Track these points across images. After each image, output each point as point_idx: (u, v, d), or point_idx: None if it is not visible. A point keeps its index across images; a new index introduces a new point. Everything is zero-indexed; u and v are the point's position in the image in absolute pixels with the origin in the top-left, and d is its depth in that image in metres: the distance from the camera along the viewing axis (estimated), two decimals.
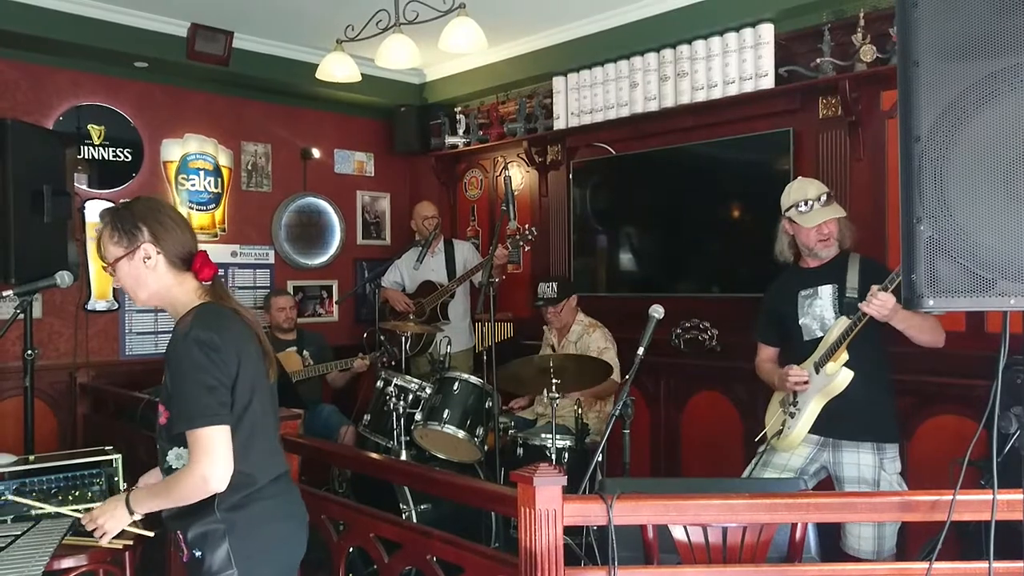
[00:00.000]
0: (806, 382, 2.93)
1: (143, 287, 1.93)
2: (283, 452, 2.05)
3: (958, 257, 1.47)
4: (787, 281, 3.16)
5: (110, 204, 4.81)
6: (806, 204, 2.99)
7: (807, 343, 3.02)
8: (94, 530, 1.95)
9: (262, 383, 1.93)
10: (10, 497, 2.53)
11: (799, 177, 3.27)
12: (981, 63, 1.45)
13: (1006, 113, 1.44)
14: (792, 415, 2.97)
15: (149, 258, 1.90)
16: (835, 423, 2.91)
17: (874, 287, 2.72)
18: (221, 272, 2.03)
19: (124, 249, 1.91)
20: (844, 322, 2.87)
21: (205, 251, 1.98)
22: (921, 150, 1.49)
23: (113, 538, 1.99)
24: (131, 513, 1.92)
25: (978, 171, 1.45)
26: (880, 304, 2.67)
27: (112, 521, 1.93)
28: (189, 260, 1.94)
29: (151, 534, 2.09)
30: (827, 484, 3.04)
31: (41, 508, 2.38)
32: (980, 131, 1.45)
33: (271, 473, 1.94)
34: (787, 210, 3.06)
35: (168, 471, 1.90)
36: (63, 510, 2.32)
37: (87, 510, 2.05)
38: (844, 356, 2.86)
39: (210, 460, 1.75)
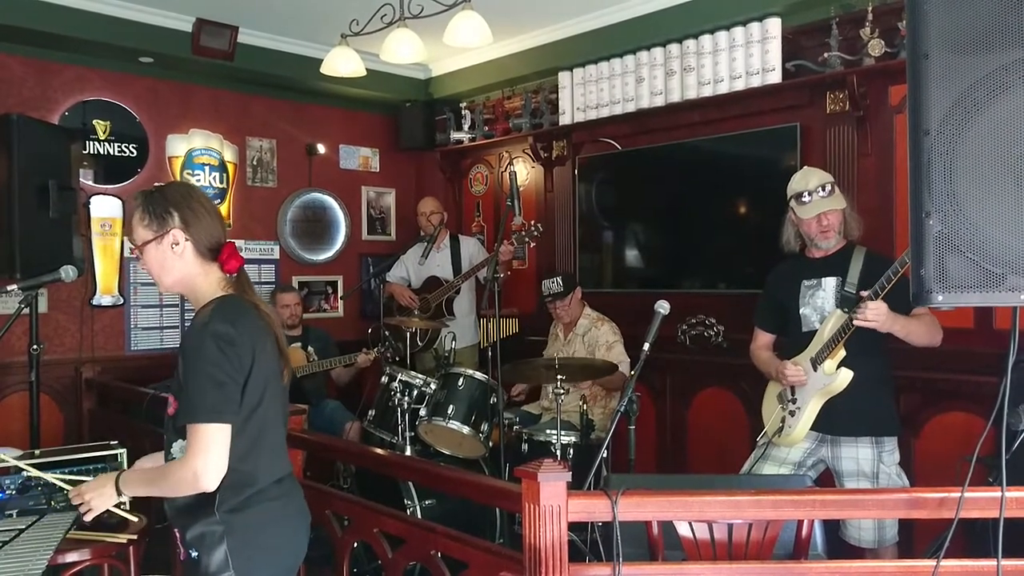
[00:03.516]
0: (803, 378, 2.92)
1: (168, 273, 1.90)
2: (287, 453, 2.03)
3: (967, 252, 1.46)
4: (791, 269, 3.14)
5: (115, 199, 4.84)
6: (807, 195, 2.97)
7: (805, 334, 3.00)
8: (80, 504, 1.95)
9: (275, 382, 1.90)
10: (20, 465, 2.53)
11: (804, 167, 3.25)
12: (992, 56, 1.44)
13: (1017, 106, 1.43)
14: (792, 413, 2.96)
15: (177, 244, 1.87)
16: (834, 420, 2.90)
17: (864, 299, 2.67)
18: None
19: (153, 233, 1.88)
20: (839, 316, 2.86)
21: (233, 243, 1.95)
22: (931, 144, 1.48)
23: (116, 533, 1.98)
24: (119, 494, 1.90)
25: (988, 165, 1.44)
26: (874, 313, 2.65)
27: (99, 499, 1.92)
28: (217, 250, 1.91)
29: (135, 519, 2.09)
30: (825, 477, 3.04)
31: (36, 474, 2.42)
32: (991, 124, 1.44)
33: (275, 474, 1.91)
34: (789, 200, 3.05)
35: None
36: (51, 477, 2.36)
37: (76, 483, 2.04)
38: (841, 353, 2.84)
39: (204, 458, 1.73)
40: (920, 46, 1.48)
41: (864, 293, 2.71)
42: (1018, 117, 1.42)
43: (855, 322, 2.70)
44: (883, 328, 2.70)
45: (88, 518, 1.97)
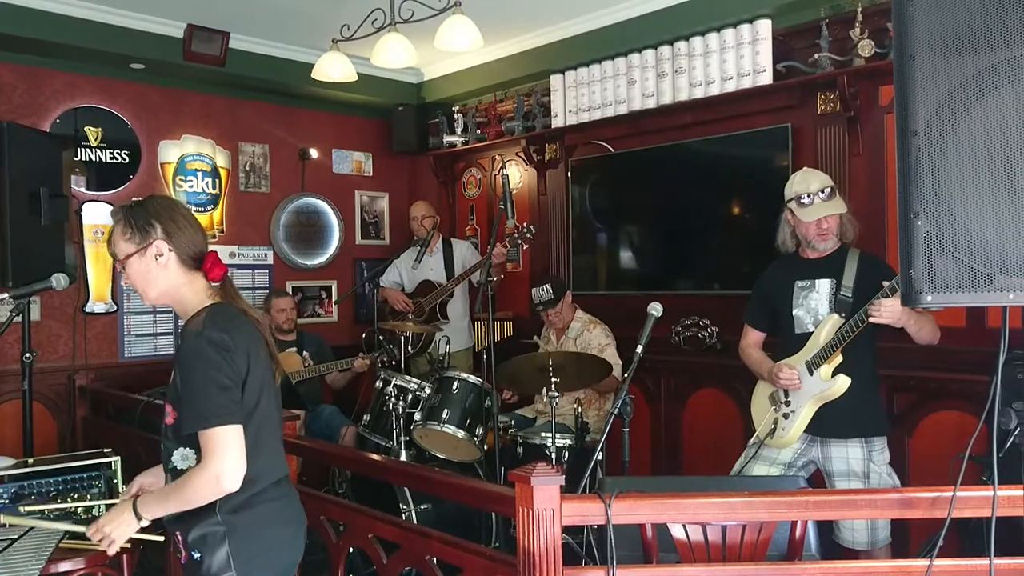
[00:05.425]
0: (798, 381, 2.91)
1: (153, 285, 1.91)
2: (284, 455, 2.04)
3: (956, 252, 1.46)
4: (784, 268, 3.11)
5: (108, 206, 4.82)
6: (808, 197, 2.94)
7: (798, 336, 2.98)
8: (100, 540, 1.89)
9: (269, 385, 1.93)
10: (23, 509, 2.50)
11: (804, 168, 3.19)
12: (978, 57, 1.44)
13: (1003, 107, 1.43)
14: (786, 416, 2.95)
15: (161, 255, 1.88)
16: (824, 421, 2.90)
17: (880, 299, 2.66)
18: (229, 273, 2.00)
19: (136, 246, 1.89)
20: (834, 320, 2.85)
21: (216, 251, 1.96)
22: (918, 144, 1.48)
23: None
24: (139, 519, 1.86)
25: (975, 165, 1.45)
26: (890, 310, 2.64)
27: (119, 529, 1.87)
28: (200, 259, 1.92)
29: (160, 539, 2.05)
30: (816, 477, 3.04)
31: (47, 526, 2.31)
32: (977, 125, 1.45)
33: (274, 476, 1.93)
34: (788, 201, 3.01)
35: (173, 471, 1.87)
36: (63, 526, 2.28)
37: (90, 520, 2.00)
38: (838, 359, 2.83)
39: (223, 459, 1.73)
40: (906, 48, 1.49)
41: (886, 284, 2.67)
42: (1004, 117, 1.42)
43: (870, 319, 2.68)
44: (897, 324, 2.69)
45: (112, 551, 1.92)
